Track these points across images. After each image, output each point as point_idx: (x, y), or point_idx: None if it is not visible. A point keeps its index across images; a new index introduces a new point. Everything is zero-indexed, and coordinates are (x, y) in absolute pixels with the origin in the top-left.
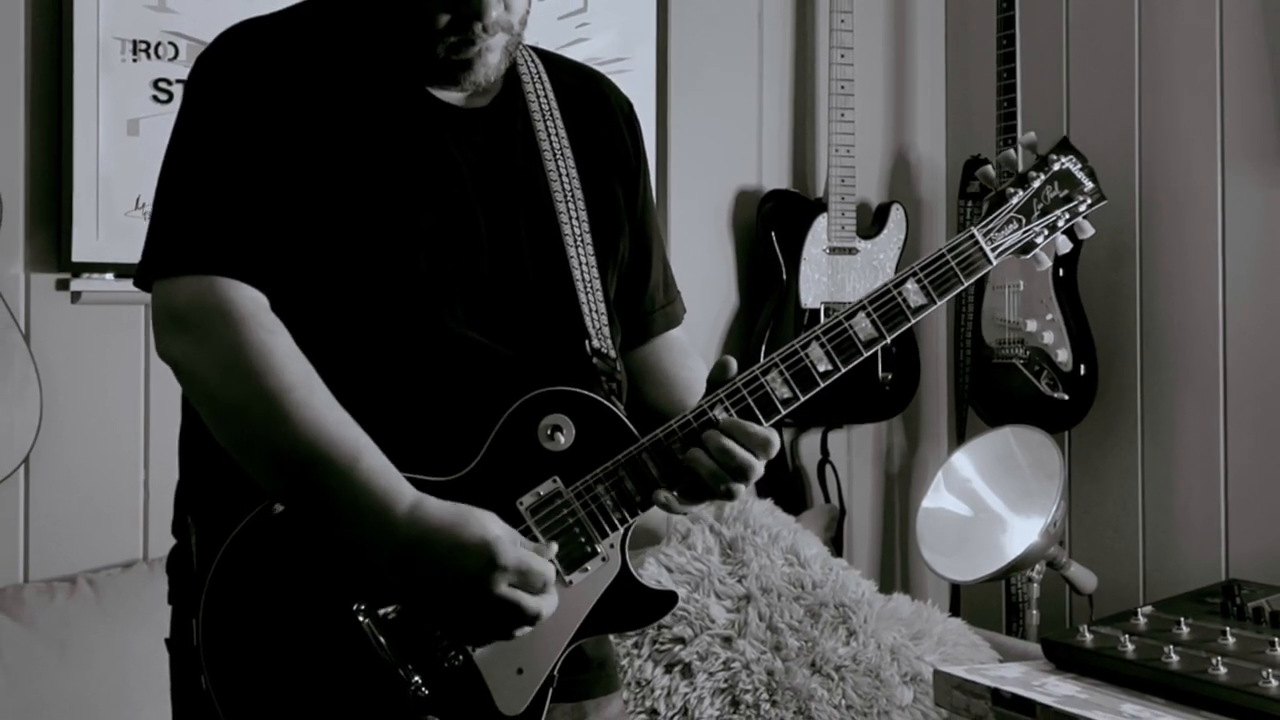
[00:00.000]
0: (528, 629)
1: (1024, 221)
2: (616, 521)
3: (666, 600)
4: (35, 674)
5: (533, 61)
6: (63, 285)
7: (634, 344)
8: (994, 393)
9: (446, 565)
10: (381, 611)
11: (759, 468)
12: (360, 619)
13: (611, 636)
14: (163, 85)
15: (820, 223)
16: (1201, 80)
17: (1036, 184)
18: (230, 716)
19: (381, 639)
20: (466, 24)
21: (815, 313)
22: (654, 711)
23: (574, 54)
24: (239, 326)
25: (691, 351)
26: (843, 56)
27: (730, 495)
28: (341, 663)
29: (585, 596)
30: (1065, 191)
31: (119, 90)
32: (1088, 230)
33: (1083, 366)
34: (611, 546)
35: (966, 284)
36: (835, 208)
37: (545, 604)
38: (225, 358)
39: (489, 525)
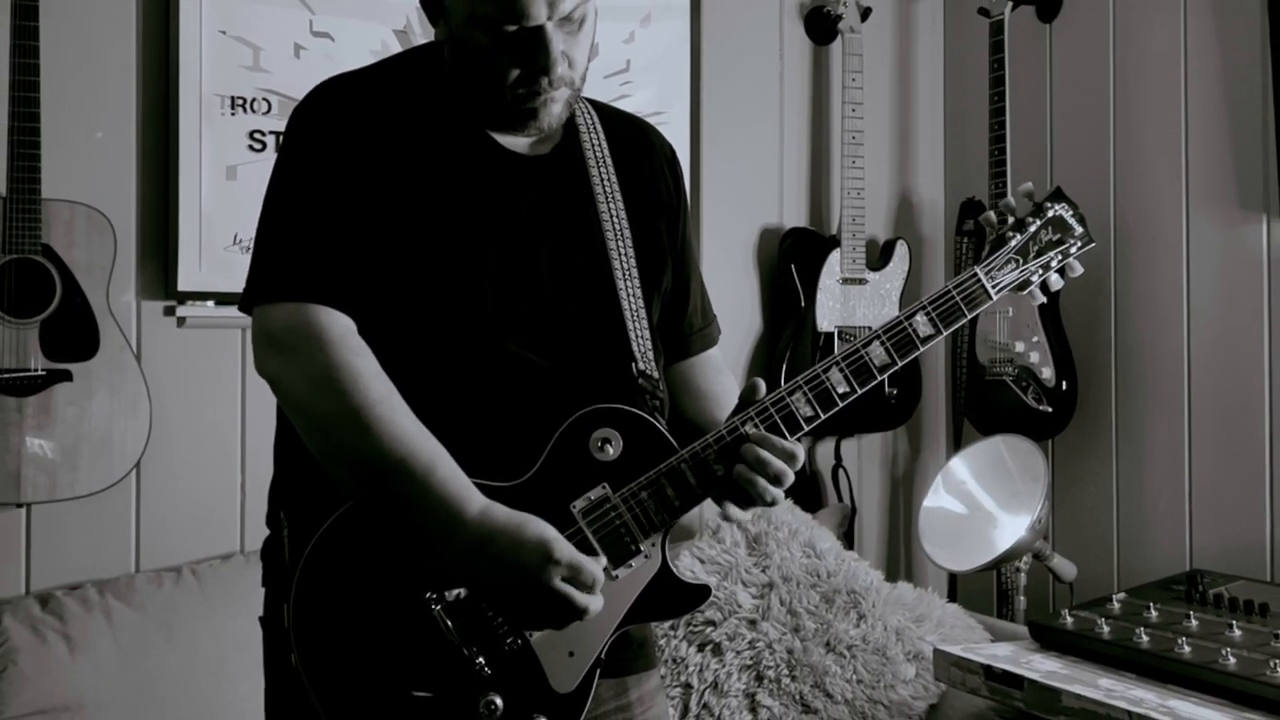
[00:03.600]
0: (577, 621)
1: (1021, 262)
2: (658, 523)
3: (701, 593)
4: (146, 653)
5: (588, 113)
6: (169, 311)
7: (674, 361)
8: (986, 406)
9: (508, 561)
10: (449, 597)
11: (790, 475)
12: (432, 607)
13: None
14: (257, 136)
15: (834, 256)
16: (1169, 133)
17: (1033, 228)
18: (317, 690)
19: (450, 625)
20: (534, 78)
21: (830, 336)
22: (688, 686)
23: (618, 107)
24: (329, 348)
25: (724, 369)
26: (854, 110)
27: (772, 501)
28: (415, 645)
29: (630, 589)
30: (1058, 235)
31: (219, 140)
32: (1078, 269)
33: (1064, 383)
34: (653, 545)
35: (969, 317)
36: (847, 243)
37: (593, 601)
38: (317, 376)
39: (546, 527)
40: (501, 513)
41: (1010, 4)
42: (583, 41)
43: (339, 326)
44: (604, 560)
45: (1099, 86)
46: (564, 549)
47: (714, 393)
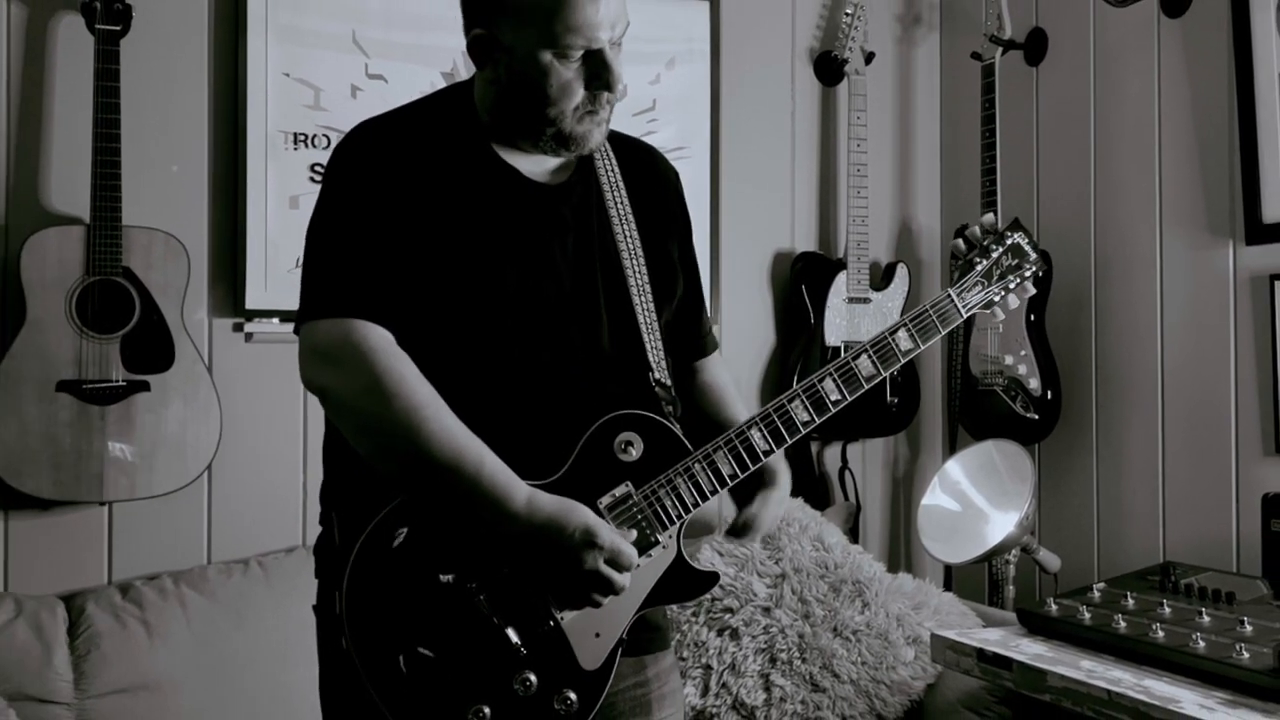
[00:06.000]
0: (611, 597)
1: (986, 284)
2: (674, 517)
3: (711, 579)
4: (217, 637)
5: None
6: (238, 327)
7: (692, 360)
8: (979, 413)
9: (555, 543)
10: (489, 585)
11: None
12: (475, 595)
13: (671, 606)
14: (317, 169)
15: (841, 278)
16: (1144, 165)
17: (995, 254)
18: (367, 670)
19: (490, 610)
20: (597, 96)
21: (837, 350)
22: (708, 667)
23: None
24: (375, 357)
25: (721, 373)
26: (858, 145)
27: None
28: (457, 628)
29: (649, 575)
30: (1017, 261)
31: (282, 173)
32: (1030, 290)
33: (1049, 392)
34: (670, 537)
35: (943, 333)
36: (852, 266)
37: (627, 581)
38: (366, 383)
39: (589, 514)
40: (548, 500)
41: (1000, 49)
42: (621, 62)
43: (381, 338)
44: (633, 536)
45: (1081, 123)
46: (606, 534)
47: (720, 384)
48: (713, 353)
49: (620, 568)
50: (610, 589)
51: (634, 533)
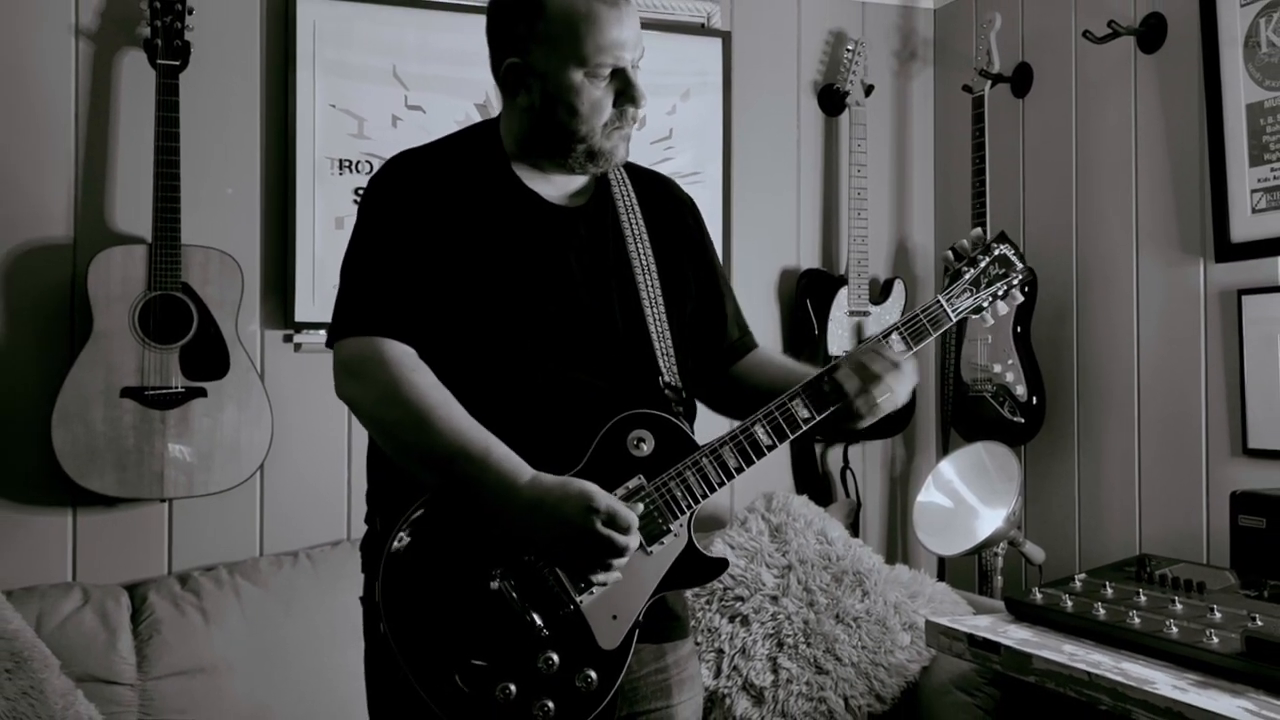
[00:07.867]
0: (621, 560)
1: (974, 291)
2: (684, 508)
3: (720, 565)
4: (269, 624)
5: (618, 169)
6: (288, 338)
7: (728, 367)
8: (970, 417)
9: (557, 514)
10: (513, 572)
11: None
12: (504, 581)
13: (687, 595)
14: (361, 192)
15: (843, 293)
16: (1122, 189)
17: (983, 264)
18: (403, 652)
19: (515, 595)
20: (624, 112)
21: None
22: (720, 651)
23: (662, 169)
24: (390, 368)
25: (776, 353)
26: (859, 171)
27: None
28: (484, 613)
29: (662, 562)
30: (1003, 270)
31: (329, 196)
32: (1018, 298)
33: (1035, 398)
34: (681, 526)
35: (934, 336)
36: (853, 282)
37: (631, 541)
38: (382, 392)
39: (586, 483)
40: (549, 477)
41: (989, 82)
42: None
43: (398, 352)
44: (641, 508)
45: (1063, 151)
46: (603, 497)
47: (776, 361)
48: (747, 354)
49: (619, 528)
50: (613, 548)
51: (640, 506)
